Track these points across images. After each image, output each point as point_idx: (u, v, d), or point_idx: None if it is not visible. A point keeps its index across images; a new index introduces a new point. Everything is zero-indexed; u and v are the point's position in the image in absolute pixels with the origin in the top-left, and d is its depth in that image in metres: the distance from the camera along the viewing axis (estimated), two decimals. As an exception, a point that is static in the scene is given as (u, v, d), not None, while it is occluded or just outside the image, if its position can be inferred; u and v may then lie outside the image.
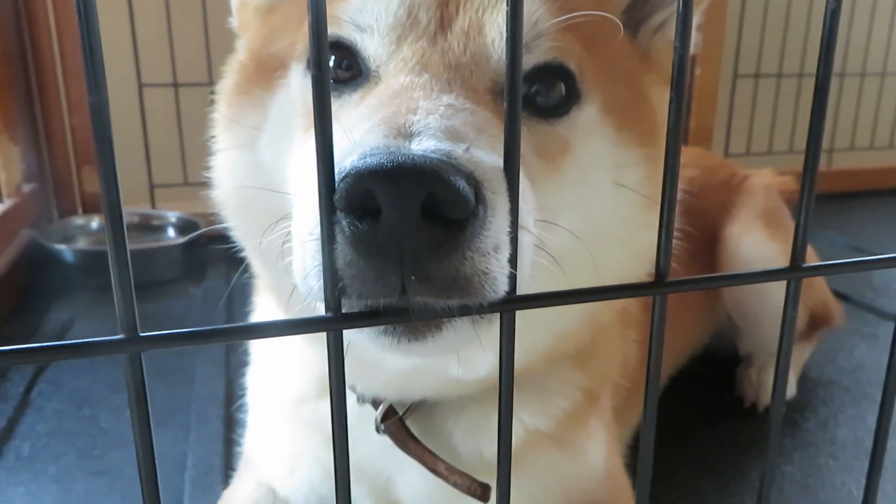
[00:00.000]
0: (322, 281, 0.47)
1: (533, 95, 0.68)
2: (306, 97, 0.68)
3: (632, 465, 0.98)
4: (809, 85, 3.60)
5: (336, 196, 0.46)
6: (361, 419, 0.85)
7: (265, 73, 0.74)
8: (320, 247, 0.46)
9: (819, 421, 1.46)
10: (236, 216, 0.79)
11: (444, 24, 0.65)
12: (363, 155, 0.47)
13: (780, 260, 1.41)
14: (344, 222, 0.46)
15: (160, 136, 2.44)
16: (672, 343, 1.40)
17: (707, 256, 1.49)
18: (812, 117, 0.54)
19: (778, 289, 1.51)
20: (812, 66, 3.21)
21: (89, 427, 1.39)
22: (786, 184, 1.68)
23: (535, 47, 0.67)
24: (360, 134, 0.52)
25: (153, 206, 2.48)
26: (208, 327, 0.44)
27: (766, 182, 1.61)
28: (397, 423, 0.82)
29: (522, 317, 0.50)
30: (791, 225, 1.52)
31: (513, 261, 0.50)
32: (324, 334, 0.45)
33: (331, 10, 0.67)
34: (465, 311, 0.51)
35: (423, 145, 0.49)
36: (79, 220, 2.35)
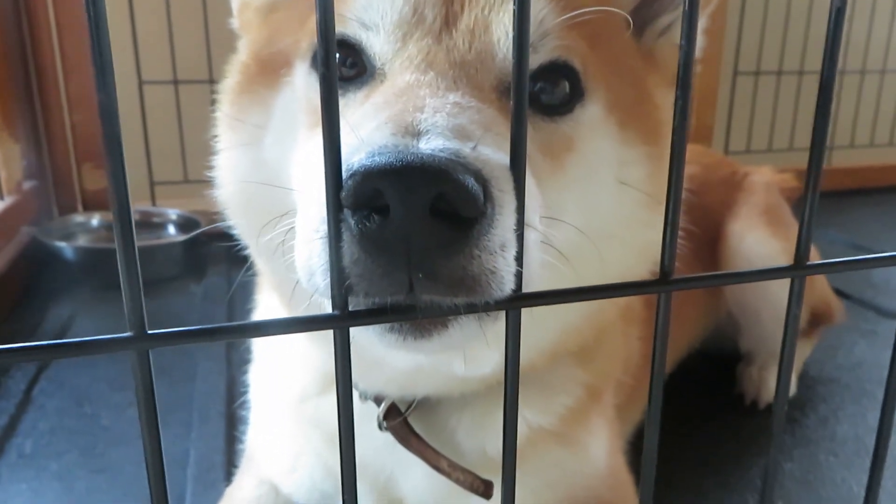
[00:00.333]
0: (329, 279, 0.47)
1: (537, 93, 0.68)
2: (311, 95, 0.68)
3: (633, 462, 0.99)
4: (810, 82, 3.61)
5: (344, 194, 0.46)
6: (363, 416, 0.85)
7: (268, 71, 0.74)
8: (327, 245, 0.46)
9: (819, 418, 1.47)
10: (239, 214, 0.79)
11: (449, 22, 0.65)
12: (371, 153, 0.47)
13: (782, 257, 1.41)
14: (351, 220, 0.46)
15: (160, 134, 2.43)
16: (674, 340, 1.40)
17: (709, 254, 1.49)
18: (816, 115, 0.54)
19: (779, 286, 1.51)
20: (812, 63, 3.24)
21: (91, 425, 1.40)
22: (785, 181, 1.68)
23: (542, 47, 0.67)
24: (367, 132, 0.52)
25: (154, 204, 2.48)
26: (215, 325, 0.44)
27: (767, 179, 1.62)
28: (400, 420, 0.82)
29: (528, 314, 0.50)
30: (792, 222, 1.52)
31: (519, 259, 0.50)
32: (327, 332, 0.45)
33: (336, 8, 0.67)
34: (471, 308, 0.51)
35: (432, 144, 0.49)
36: (79, 218, 2.34)
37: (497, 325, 0.57)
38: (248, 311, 1.06)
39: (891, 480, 1.26)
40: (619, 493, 0.91)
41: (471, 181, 0.47)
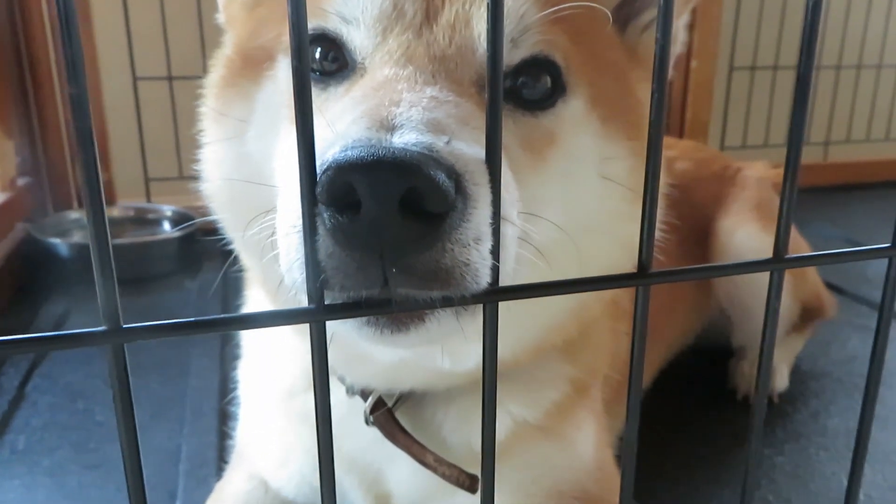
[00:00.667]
0: (305, 273, 0.47)
1: (519, 88, 0.68)
2: (292, 89, 0.68)
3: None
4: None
5: (318, 189, 0.46)
6: (351, 411, 0.85)
7: (252, 65, 0.74)
8: (303, 239, 0.46)
9: (810, 412, 1.47)
10: (224, 209, 0.79)
11: (430, 16, 0.65)
12: (345, 147, 0.47)
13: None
14: (325, 214, 0.47)
15: (155, 130, 2.43)
16: (663, 335, 1.40)
17: (700, 249, 1.49)
18: (793, 109, 0.54)
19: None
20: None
21: (84, 421, 1.40)
22: (780, 176, 1.67)
23: (523, 42, 0.67)
24: (343, 126, 0.52)
25: (148, 200, 2.48)
26: (191, 319, 0.45)
27: (759, 174, 1.62)
28: (386, 414, 0.82)
29: (508, 309, 0.50)
30: (784, 218, 1.52)
31: (495, 252, 0.50)
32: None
33: (317, 3, 0.68)
34: (447, 302, 0.51)
35: (405, 138, 0.49)
36: (74, 214, 2.34)
37: (476, 320, 0.57)
38: (239, 307, 1.06)
39: (880, 474, 1.26)
40: (606, 486, 0.91)
41: (441, 176, 0.47)
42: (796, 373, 1.62)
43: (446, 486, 0.80)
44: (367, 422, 0.83)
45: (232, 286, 1.22)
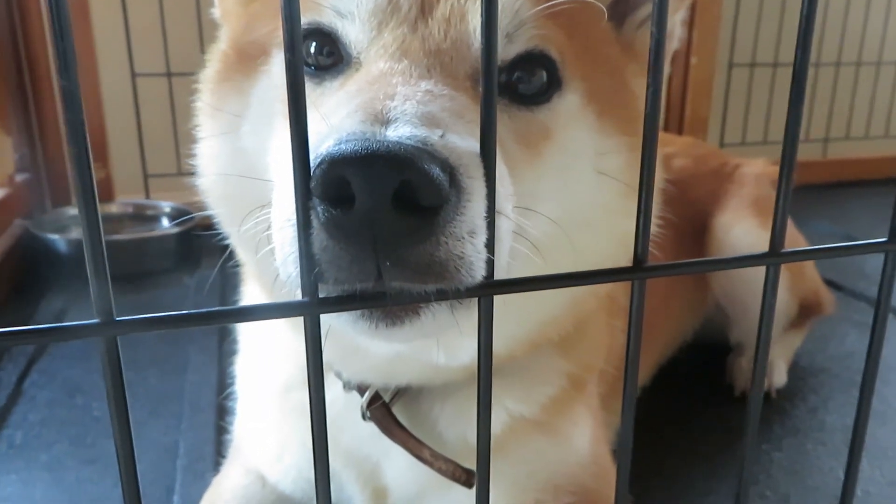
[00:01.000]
0: (299, 266, 0.47)
1: (514, 83, 0.67)
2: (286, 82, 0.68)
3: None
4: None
5: (312, 183, 0.46)
6: (348, 406, 0.85)
7: (247, 60, 0.74)
8: (297, 232, 0.46)
9: (808, 408, 1.47)
10: (220, 204, 0.79)
11: (425, 10, 0.65)
12: (339, 141, 0.47)
13: (770, 248, 1.41)
14: (319, 208, 0.47)
15: (154, 126, 2.43)
16: (661, 332, 1.40)
17: (697, 246, 1.49)
18: (790, 105, 0.54)
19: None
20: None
21: (82, 416, 1.40)
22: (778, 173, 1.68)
23: (518, 37, 0.67)
24: (337, 119, 0.52)
25: (147, 196, 2.48)
26: (183, 312, 0.45)
27: (758, 171, 1.62)
28: (382, 409, 0.82)
29: (502, 303, 0.50)
30: (782, 214, 1.52)
31: (490, 245, 0.50)
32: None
33: (313, -3, 0.68)
34: (442, 295, 0.51)
35: (399, 132, 0.49)
36: (72, 210, 2.34)
37: (471, 314, 0.57)
38: (236, 303, 1.06)
39: (878, 469, 1.26)
40: (602, 481, 0.91)
41: (435, 170, 0.47)
42: (794, 369, 1.62)
43: (443, 480, 0.80)
44: (363, 416, 0.83)
45: (229, 282, 1.22)
